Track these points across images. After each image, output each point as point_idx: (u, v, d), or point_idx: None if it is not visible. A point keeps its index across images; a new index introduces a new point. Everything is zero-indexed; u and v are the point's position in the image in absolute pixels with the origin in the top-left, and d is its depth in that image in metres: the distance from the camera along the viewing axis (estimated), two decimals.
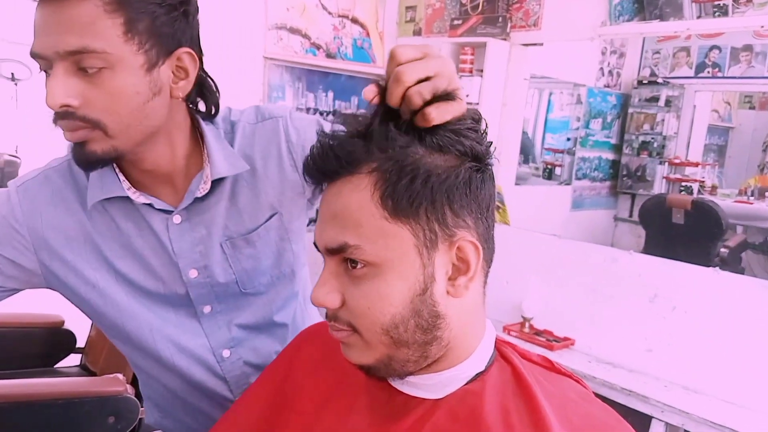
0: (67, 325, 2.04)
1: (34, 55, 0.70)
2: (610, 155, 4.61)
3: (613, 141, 4.60)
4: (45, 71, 0.72)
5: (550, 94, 4.85)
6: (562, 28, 2.93)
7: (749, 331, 2.11)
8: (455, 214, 0.58)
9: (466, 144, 0.59)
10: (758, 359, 2.07)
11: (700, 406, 2.07)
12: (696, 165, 4.62)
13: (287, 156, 0.90)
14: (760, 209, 4.35)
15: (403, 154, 0.56)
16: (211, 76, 0.87)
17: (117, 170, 0.82)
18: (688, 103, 4.57)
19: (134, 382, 1.79)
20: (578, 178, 4.38)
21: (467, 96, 3.12)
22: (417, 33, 3.64)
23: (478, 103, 3.10)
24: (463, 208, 0.58)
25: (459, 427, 0.60)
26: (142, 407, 1.72)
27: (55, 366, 2.06)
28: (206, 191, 0.85)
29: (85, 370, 2.05)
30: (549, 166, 4.55)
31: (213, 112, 0.87)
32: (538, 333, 2.62)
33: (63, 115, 0.71)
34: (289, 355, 0.80)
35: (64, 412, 1.46)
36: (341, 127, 0.60)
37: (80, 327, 2.06)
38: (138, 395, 1.74)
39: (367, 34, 3.66)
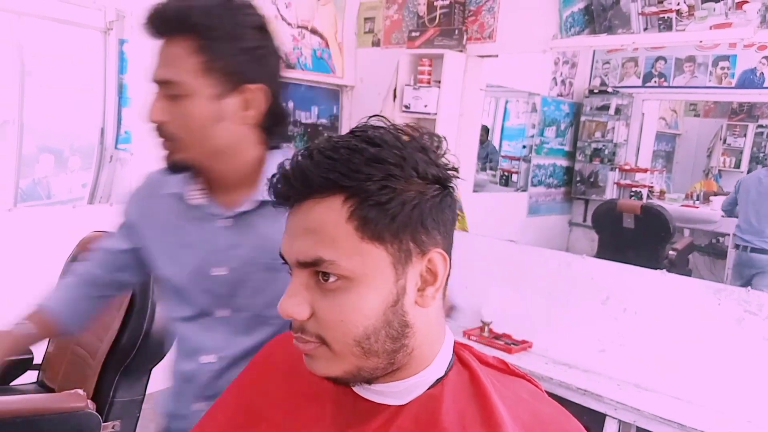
0: None
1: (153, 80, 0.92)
2: (564, 162, 4.74)
3: (566, 148, 4.75)
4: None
5: (507, 102, 4.97)
6: (515, 40, 3.03)
7: (695, 330, 2.22)
8: (427, 233, 0.62)
9: (431, 172, 0.63)
10: (703, 356, 2.18)
11: (650, 403, 2.17)
12: (645, 171, 4.80)
13: None
14: (705, 213, 4.55)
15: (376, 185, 0.59)
16: (287, 109, 1.00)
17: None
18: (636, 112, 4.75)
19: (95, 397, 1.76)
20: (534, 185, 4.50)
21: (425, 106, 3.18)
22: (376, 44, 3.69)
23: (436, 113, 3.16)
24: (434, 228, 0.63)
25: (420, 430, 0.64)
26: (103, 422, 1.69)
27: (11, 384, 2.00)
28: (249, 208, 0.96)
29: (42, 386, 1.99)
30: (506, 173, 4.66)
31: (282, 138, 1.02)
32: (497, 337, 2.68)
33: (157, 128, 0.92)
34: (258, 366, 0.82)
35: (24, 430, 1.44)
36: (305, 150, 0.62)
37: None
38: (99, 410, 1.72)
39: (327, 45, 3.69)
